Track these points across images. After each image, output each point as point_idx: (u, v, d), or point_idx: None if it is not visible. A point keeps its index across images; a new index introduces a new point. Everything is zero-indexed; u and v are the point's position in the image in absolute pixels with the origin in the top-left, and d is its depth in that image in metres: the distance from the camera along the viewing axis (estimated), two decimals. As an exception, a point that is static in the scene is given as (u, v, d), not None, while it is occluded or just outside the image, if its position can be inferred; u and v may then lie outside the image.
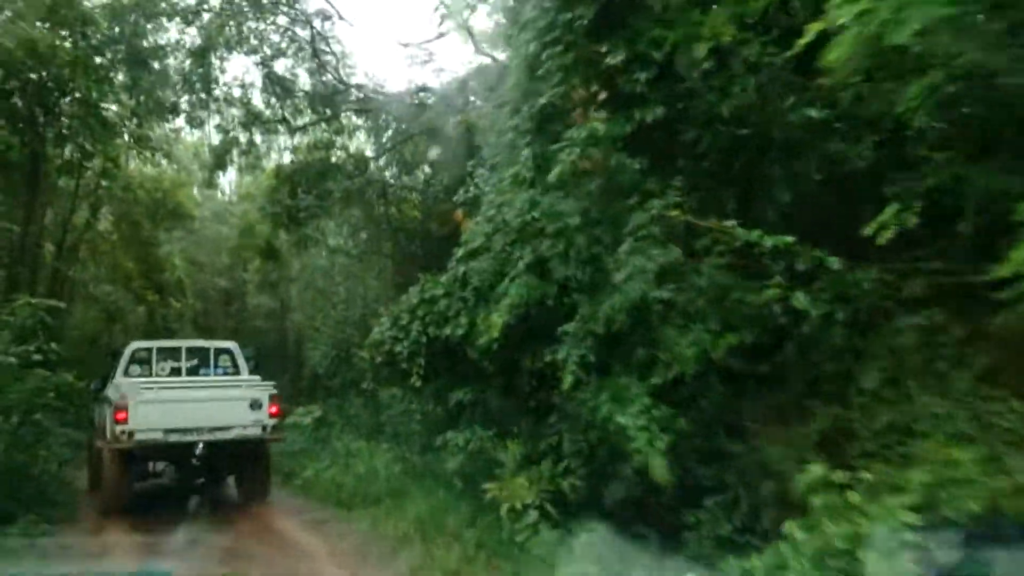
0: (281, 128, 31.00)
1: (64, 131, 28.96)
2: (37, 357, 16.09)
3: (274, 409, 15.87)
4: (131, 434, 14.30)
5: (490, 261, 13.03)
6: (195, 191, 38.91)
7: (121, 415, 14.27)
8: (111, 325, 36.92)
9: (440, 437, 14.72)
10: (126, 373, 16.97)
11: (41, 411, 16.46)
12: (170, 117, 30.48)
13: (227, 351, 18.58)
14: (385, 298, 26.68)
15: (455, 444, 13.89)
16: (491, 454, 13.60)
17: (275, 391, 16.20)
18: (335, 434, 21.90)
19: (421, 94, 28.55)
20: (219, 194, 42.77)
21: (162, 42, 28.55)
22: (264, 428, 15.68)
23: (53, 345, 17.53)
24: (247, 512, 16.71)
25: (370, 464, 17.58)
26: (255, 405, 15.49)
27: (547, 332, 11.38)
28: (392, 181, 30.37)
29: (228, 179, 43.17)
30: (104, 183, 32.45)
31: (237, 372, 17.99)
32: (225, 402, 15.42)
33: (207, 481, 17.33)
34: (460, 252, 14.55)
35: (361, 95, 29.63)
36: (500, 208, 13.07)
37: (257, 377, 17.36)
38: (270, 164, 33.57)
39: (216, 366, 18.02)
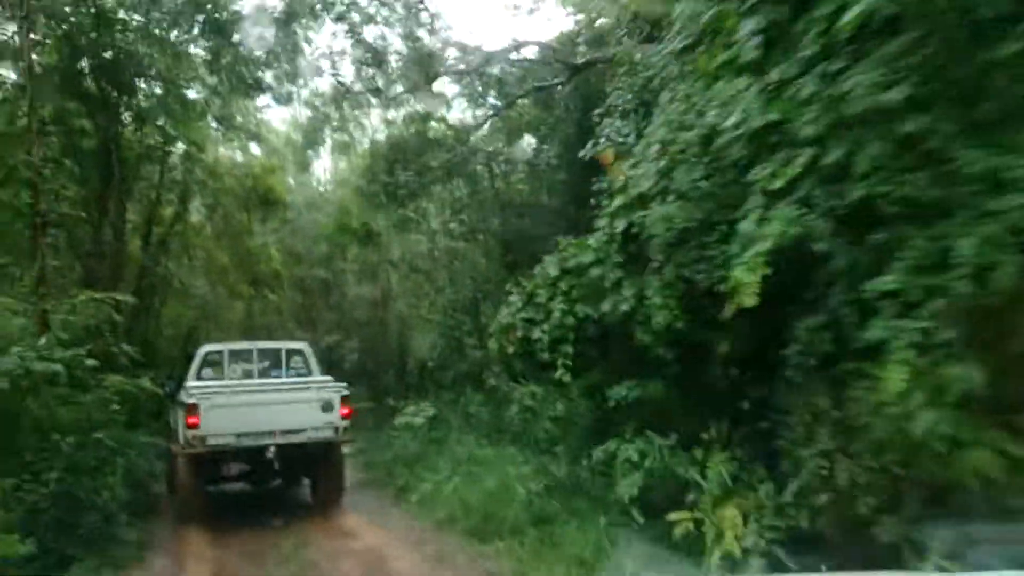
0: (374, 100, 27.17)
1: (142, 114, 25.58)
2: (91, 362, 13.63)
3: (346, 411, 15.00)
4: (203, 439, 13.74)
5: (679, 204, 8.73)
6: (288, 179, 35.23)
7: (193, 420, 13.69)
8: (206, 322, 33.50)
9: (599, 448, 10.73)
10: (198, 376, 16.06)
11: (106, 427, 14.22)
12: (254, 94, 26.78)
13: (299, 352, 17.64)
14: (495, 279, 23.00)
15: (627, 459, 9.86)
16: (674, 470, 9.61)
17: (347, 392, 15.26)
18: (453, 436, 18.12)
19: (524, 50, 24.57)
20: (313, 180, 39.35)
21: (243, 10, 24.89)
22: (336, 430, 14.80)
23: (125, 347, 16.23)
24: (353, 536, 13.96)
25: (502, 477, 13.70)
26: (327, 407, 14.58)
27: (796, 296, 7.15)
28: (497, 151, 26.36)
29: (322, 165, 40.00)
30: (190, 170, 28.91)
31: (309, 373, 16.95)
32: (296, 404, 14.56)
33: (282, 483, 16.82)
34: (616, 202, 10.49)
35: (459, 58, 25.69)
36: (682, 123, 8.91)
37: (329, 378, 16.19)
38: (364, 143, 29.98)
39: (288, 368, 17.01)
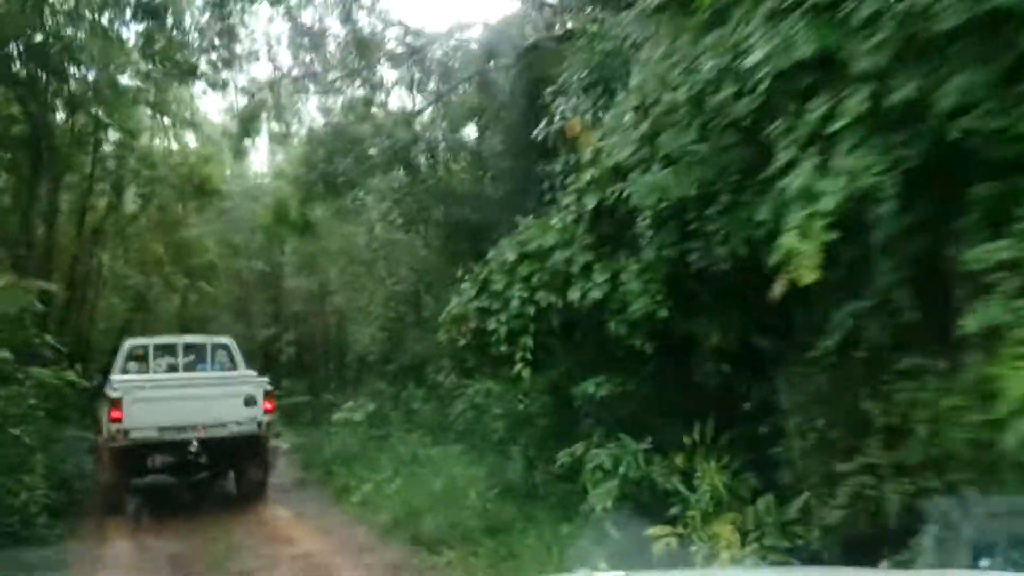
0: (312, 87, 25.41)
1: (73, 99, 23.65)
2: (3, 354, 12.84)
3: (269, 405, 14.78)
4: (126, 432, 13.42)
5: (671, 172, 7.11)
6: (225, 169, 33.23)
7: (116, 413, 13.36)
8: (141, 314, 31.44)
9: (563, 452, 9.19)
10: (123, 370, 15.42)
11: (25, 422, 13.02)
12: (189, 80, 24.87)
13: (224, 346, 17.21)
14: (437, 270, 21.49)
15: (598, 466, 8.32)
16: (653, 479, 8.12)
17: (270, 387, 15.19)
18: (395, 434, 16.52)
19: (469, 32, 23.05)
20: (250, 170, 37.44)
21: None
22: (259, 424, 14.54)
23: (49, 338, 15.66)
24: (289, 542, 12.49)
25: (449, 479, 12.18)
26: (249, 401, 14.34)
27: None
28: (439, 139, 24.72)
29: (259, 155, 38.08)
30: (123, 158, 26.94)
31: (234, 367, 16.43)
32: (219, 399, 14.32)
33: (210, 479, 16.28)
34: (585, 176, 8.96)
35: (400, 41, 24.03)
36: (665, 82, 7.35)
37: (253, 372, 15.97)
38: (302, 131, 28.17)
39: (213, 362, 16.58)
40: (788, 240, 4.94)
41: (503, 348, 9.65)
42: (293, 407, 30.78)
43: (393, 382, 19.94)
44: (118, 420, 13.34)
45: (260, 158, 39.52)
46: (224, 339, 18.00)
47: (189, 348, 16.89)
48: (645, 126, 7.63)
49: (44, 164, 22.74)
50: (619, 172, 8.20)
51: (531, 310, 9.45)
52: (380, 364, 21.71)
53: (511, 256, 9.92)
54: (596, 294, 8.54)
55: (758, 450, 7.63)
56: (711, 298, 7.74)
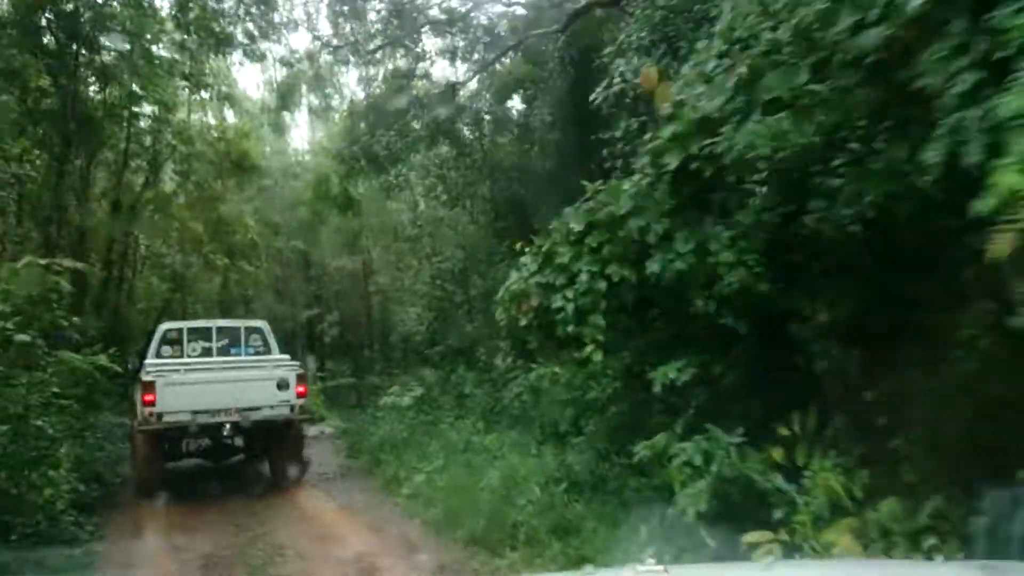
0: (353, 57, 24.47)
1: (105, 71, 22.86)
2: (22, 338, 11.70)
3: (301, 389, 14.63)
4: (160, 416, 13.47)
5: (786, 116, 6.02)
6: (263, 145, 32.40)
7: (149, 397, 13.42)
8: (180, 294, 30.75)
9: (642, 444, 8.15)
10: (158, 354, 15.34)
11: (49, 412, 12.19)
12: (225, 50, 24.00)
13: (257, 330, 16.90)
14: (485, 247, 20.56)
15: (687, 462, 7.29)
16: (750, 477, 7.10)
17: (302, 371, 15.13)
18: (445, 419, 15.59)
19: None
20: (289, 146, 36.63)
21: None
22: (292, 408, 14.43)
23: (77, 320, 14.61)
24: (338, 541, 11.51)
25: (508, 470, 11.21)
26: (282, 385, 14.28)
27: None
28: (485, 110, 23.74)
29: (298, 130, 37.21)
30: (159, 132, 26.16)
31: (268, 351, 16.25)
32: (252, 382, 14.28)
33: (244, 462, 16.28)
34: (666, 132, 7.88)
35: (444, 7, 23.02)
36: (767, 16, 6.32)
37: (286, 356, 15.92)
38: (343, 104, 27.32)
39: (247, 345, 16.32)
40: (1007, 178, 3.83)
41: (570, 328, 8.64)
42: (337, 389, 30.11)
43: (441, 364, 19.04)
44: (151, 403, 13.38)
45: (300, 134, 38.77)
46: (258, 322, 17.71)
47: (223, 332, 16.57)
48: (743, 70, 6.57)
49: (76, 139, 22.00)
50: (708, 125, 7.14)
51: (602, 285, 8.43)
52: (427, 345, 20.80)
53: (578, 226, 8.88)
54: (679, 266, 7.50)
55: (873, 443, 6.58)
56: (821, 268, 6.67)
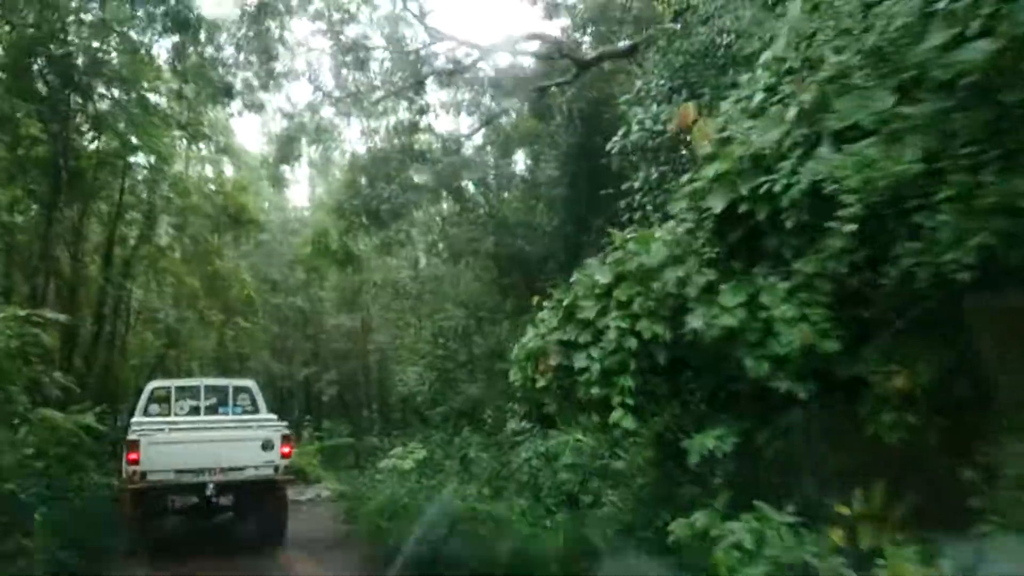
0: (355, 108, 23.75)
1: (99, 118, 22.08)
2: None
3: (287, 449, 14.44)
4: (143, 475, 13.34)
5: (875, 144, 5.08)
6: (262, 199, 31.65)
7: (134, 456, 13.31)
8: (175, 351, 29.74)
9: (680, 521, 7.16)
10: (145, 412, 15.38)
11: (24, 474, 11.84)
12: (223, 100, 23.22)
13: (246, 389, 16.75)
14: (489, 305, 19.73)
15: (736, 544, 6.32)
16: (808, 563, 6.12)
17: (288, 431, 14.75)
18: (449, 485, 14.55)
19: (525, 44, 21.41)
20: (288, 200, 35.96)
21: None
22: (276, 469, 14.29)
23: (58, 375, 14.55)
24: None
25: (520, 543, 10.20)
26: (267, 445, 14.11)
27: None
28: (489, 165, 23.01)
29: (297, 188, 36.44)
30: (154, 183, 25.34)
31: (256, 410, 16.18)
32: (236, 442, 14.09)
33: (229, 524, 15.63)
34: (708, 171, 6.98)
35: (450, 57, 22.32)
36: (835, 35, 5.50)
37: (273, 416, 15.63)
38: (344, 157, 26.56)
39: (235, 404, 16.20)
40: None
41: (595, 390, 7.72)
42: (334, 449, 29.10)
43: (443, 426, 18.03)
44: (135, 462, 13.26)
45: (299, 188, 38.13)
46: (246, 381, 17.48)
47: (211, 390, 16.45)
48: (806, 97, 5.70)
49: (67, 189, 21.16)
50: (760, 162, 6.26)
51: (631, 343, 7.52)
52: (428, 406, 19.81)
53: (604, 278, 8.00)
54: (727, 321, 6.56)
55: (960, 528, 5.61)
56: (901, 325, 5.74)
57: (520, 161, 23.23)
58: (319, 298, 35.21)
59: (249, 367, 32.86)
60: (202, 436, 14.14)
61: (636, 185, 12.84)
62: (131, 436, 13.56)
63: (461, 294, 22.62)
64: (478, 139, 23.59)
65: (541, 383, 8.50)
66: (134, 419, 14.78)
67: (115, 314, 26.45)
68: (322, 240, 25.12)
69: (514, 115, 23.03)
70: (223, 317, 29.22)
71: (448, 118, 24.35)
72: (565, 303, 8.42)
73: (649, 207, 12.51)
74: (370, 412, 32.79)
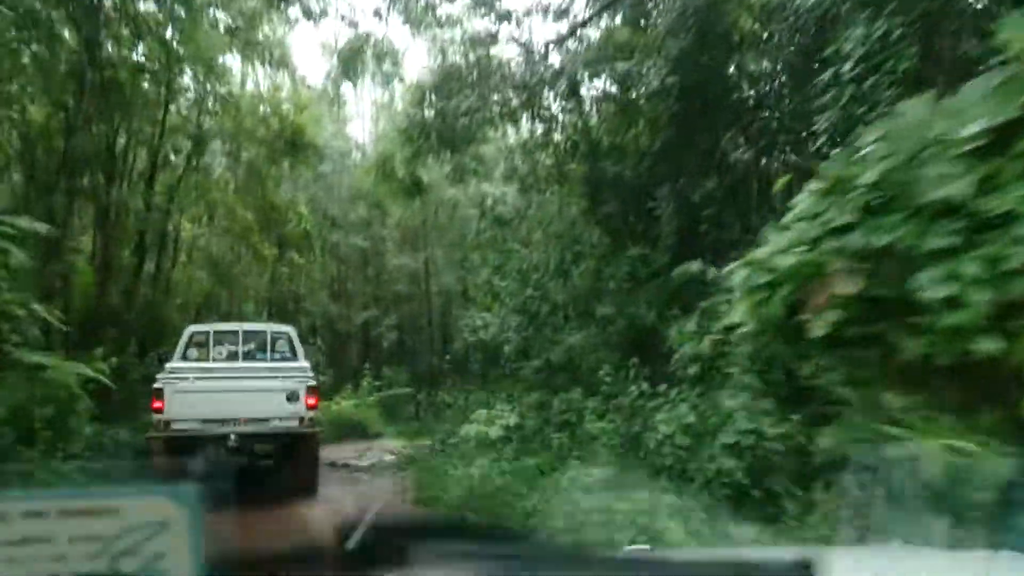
0: (426, 17, 19.45)
1: (138, 20, 17.98)
2: None
3: (312, 401, 12.93)
4: (168, 423, 12.31)
5: None
6: (321, 126, 27.28)
7: (158, 404, 12.33)
8: (225, 289, 25.70)
9: None
10: (184, 356, 13.94)
11: None
12: (279, 4, 19.00)
13: (284, 335, 15.19)
14: (588, 240, 15.49)
15: None
16: None
17: (314, 382, 13.12)
18: (556, 462, 10.36)
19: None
20: (349, 124, 31.83)
21: None
22: (301, 420, 12.77)
23: (38, 307, 10.90)
24: None
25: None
26: (292, 396, 12.75)
27: None
28: (582, 78, 18.52)
29: (360, 106, 32.32)
30: (202, 102, 21.25)
31: (294, 358, 14.46)
32: (261, 392, 12.76)
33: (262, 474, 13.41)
34: None
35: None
36: None
37: (306, 365, 13.91)
38: (413, 73, 22.32)
39: (273, 351, 14.70)
40: None
41: (977, 343, 3.38)
42: (394, 400, 25.21)
43: (536, 384, 13.78)
44: (160, 411, 12.42)
45: (361, 110, 33.91)
46: (285, 328, 15.93)
47: (249, 336, 15.06)
48: None
49: (98, 97, 17.12)
50: None
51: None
52: (514, 357, 15.45)
53: (974, 122, 3.61)
54: None
55: None
56: None
57: (617, 72, 18.66)
58: (380, 237, 31.07)
59: (304, 309, 28.95)
60: (227, 385, 12.90)
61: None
62: (156, 384, 12.64)
63: (549, 226, 18.30)
64: (565, 51, 19.07)
65: (819, 327, 4.20)
66: (170, 364, 13.60)
67: (160, 247, 22.55)
68: (387, 166, 20.88)
69: (607, 22, 18.55)
70: (276, 252, 25.12)
71: (532, 25, 19.87)
72: (873, 173, 4.07)
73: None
74: (435, 360, 28.66)
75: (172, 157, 22.44)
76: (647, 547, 2.29)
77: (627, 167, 16.42)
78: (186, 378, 12.84)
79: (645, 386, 10.56)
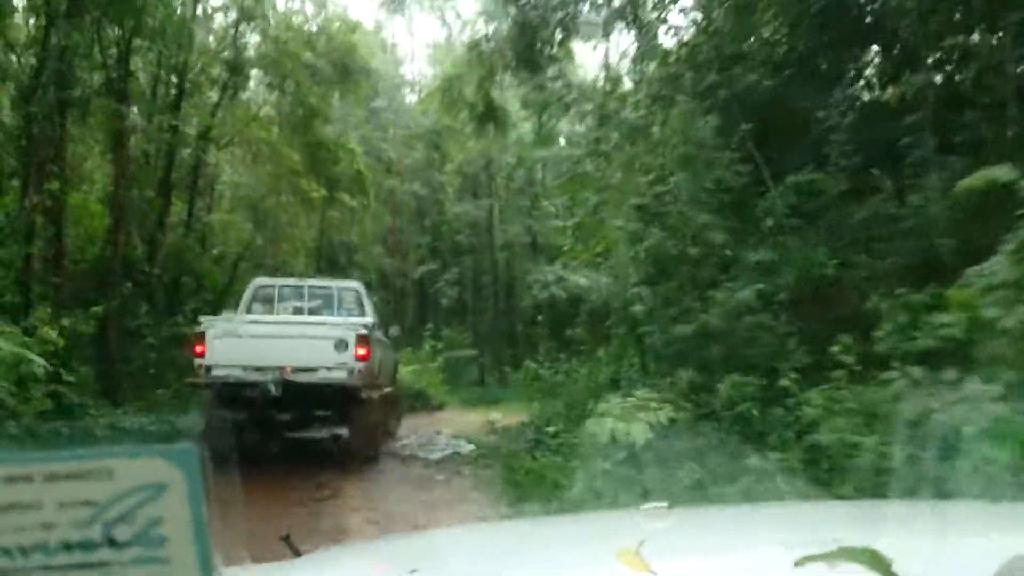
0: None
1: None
2: None
3: (363, 351, 11.12)
4: (209, 369, 11.09)
5: None
6: (376, 48, 23.00)
7: (200, 348, 11.13)
8: (269, 236, 21.45)
9: None
10: (249, 311, 12.90)
11: None
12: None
13: (352, 291, 13.79)
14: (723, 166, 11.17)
15: None
16: None
17: (365, 331, 11.17)
18: (755, 486, 6.08)
19: None
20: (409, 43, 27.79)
21: None
22: (351, 372, 10.99)
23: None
24: None
25: None
26: (340, 346, 11.05)
27: None
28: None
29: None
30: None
31: (363, 314, 12.81)
32: (307, 340, 11.28)
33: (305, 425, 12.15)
34: None
35: None
36: None
37: (367, 319, 12.19)
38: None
39: (340, 308, 13.30)
40: None
41: None
42: (455, 364, 21.33)
43: (678, 360, 9.38)
44: (201, 355, 11.03)
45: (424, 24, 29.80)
46: (352, 283, 14.69)
47: (315, 292, 13.86)
48: None
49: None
50: None
51: None
52: (641, 321, 10.90)
53: None
54: None
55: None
56: None
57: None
58: (439, 183, 26.92)
59: (356, 262, 24.92)
60: (272, 331, 11.72)
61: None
62: (198, 328, 11.46)
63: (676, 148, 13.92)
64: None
65: None
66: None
67: (192, 189, 18.59)
68: (454, 89, 16.70)
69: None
70: (326, 193, 20.94)
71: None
72: None
73: None
74: (502, 319, 24.71)
75: (206, 87, 18.43)
76: (664, 504, 1.85)
77: (762, 75, 12.10)
78: (229, 321, 11.72)
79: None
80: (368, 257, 26.13)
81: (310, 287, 14.15)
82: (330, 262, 24.15)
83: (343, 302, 13.59)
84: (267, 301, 13.66)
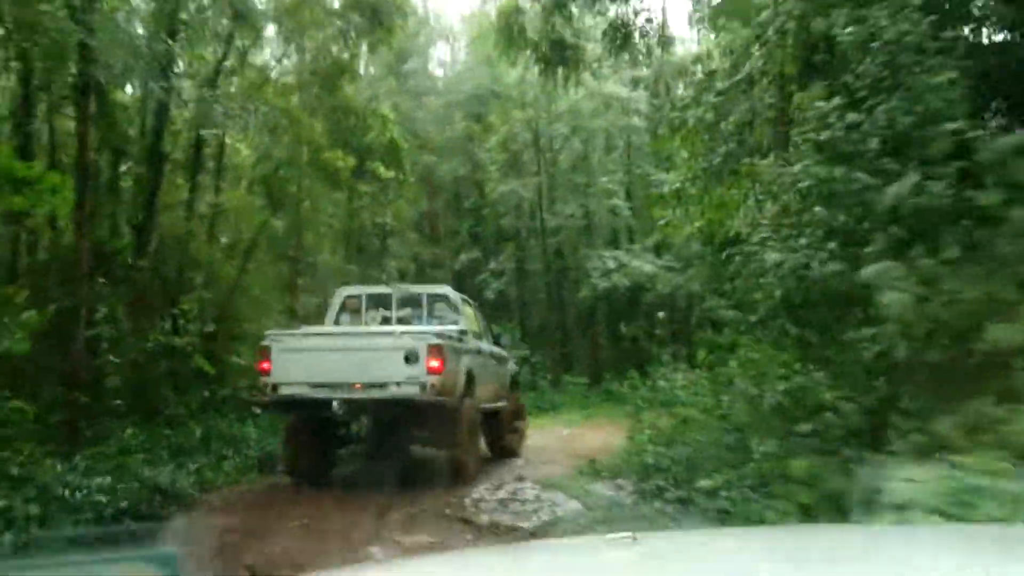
0: None
1: None
2: None
3: (435, 364, 9.64)
4: (275, 387, 10.02)
5: None
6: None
7: (265, 365, 10.08)
8: (288, 219, 17.34)
9: None
10: (336, 323, 11.95)
11: None
12: None
13: (443, 297, 12.34)
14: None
15: None
16: None
17: (437, 340, 9.60)
18: None
19: None
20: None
21: None
22: (423, 387, 9.49)
23: None
24: None
25: None
26: (411, 358, 9.62)
27: None
28: None
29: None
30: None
31: (456, 321, 11.45)
32: (375, 352, 9.90)
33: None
34: None
35: None
36: None
37: (454, 326, 10.83)
38: None
39: (431, 315, 11.92)
40: None
41: None
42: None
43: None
44: (267, 372, 9.91)
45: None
46: (443, 288, 12.79)
47: (404, 300, 12.21)
48: None
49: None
50: None
51: None
52: (780, 313, 6.94)
53: None
54: None
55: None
56: None
57: None
58: (480, 161, 23.00)
59: (388, 247, 21.02)
60: (339, 344, 10.26)
61: None
62: (263, 342, 10.17)
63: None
64: None
65: None
66: None
67: (195, 161, 14.70)
68: (512, 23, 12.74)
69: None
70: (353, 164, 16.92)
71: None
72: None
73: None
74: (565, 318, 20.86)
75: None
76: (629, 534, 1.74)
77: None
78: (294, 335, 10.63)
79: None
80: (403, 244, 22.28)
81: (399, 295, 12.66)
82: (361, 250, 20.31)
83: (434, 309, 12.14)
84: (355, 311, 12.38)
